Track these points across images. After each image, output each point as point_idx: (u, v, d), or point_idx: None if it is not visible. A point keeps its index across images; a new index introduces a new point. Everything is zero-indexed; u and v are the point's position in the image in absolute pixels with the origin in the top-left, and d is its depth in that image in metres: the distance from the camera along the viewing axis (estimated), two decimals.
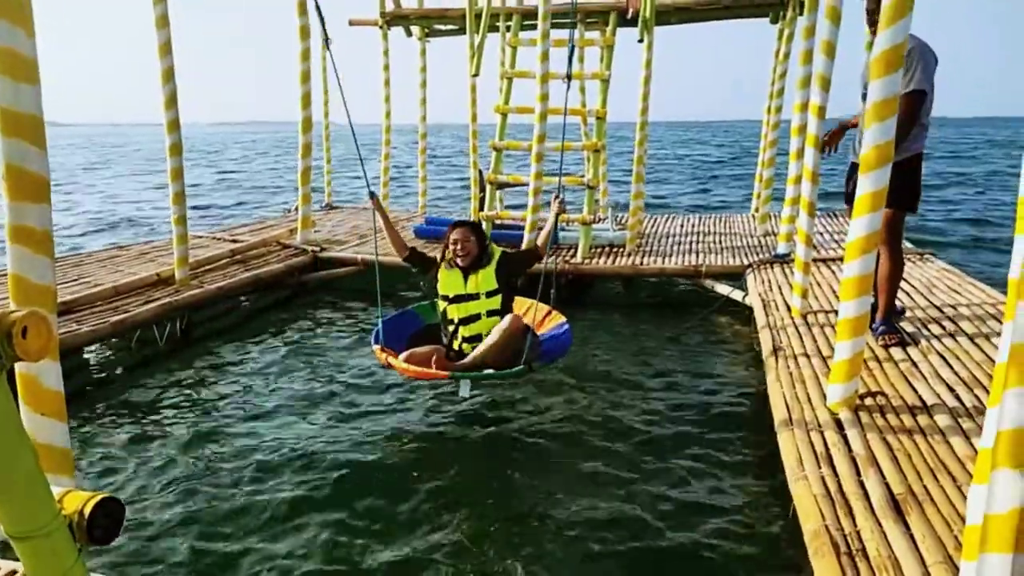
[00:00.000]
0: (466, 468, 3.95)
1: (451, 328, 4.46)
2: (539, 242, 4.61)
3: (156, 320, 5.88)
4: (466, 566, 3.06)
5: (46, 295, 2.14)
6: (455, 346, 4.46)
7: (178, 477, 3.84)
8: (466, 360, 4.20)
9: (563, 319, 4.84)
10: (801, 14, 7.08)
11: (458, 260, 4.43)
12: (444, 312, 4.48)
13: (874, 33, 3.63)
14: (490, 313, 4.40)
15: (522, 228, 7.61)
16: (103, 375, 5.54)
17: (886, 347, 4.32)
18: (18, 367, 2.18)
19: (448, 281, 4.45)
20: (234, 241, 8.33)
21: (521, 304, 4.92)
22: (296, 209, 9.27)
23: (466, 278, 4.42)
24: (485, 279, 4.41)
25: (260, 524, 3.39)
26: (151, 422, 4.59)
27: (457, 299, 4.42)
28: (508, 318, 4.29)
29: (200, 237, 8.62)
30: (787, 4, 8.61)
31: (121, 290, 6.07)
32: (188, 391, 5.12)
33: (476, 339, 4.37)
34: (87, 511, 1.51)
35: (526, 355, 4.19)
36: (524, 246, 7.16)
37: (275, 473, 3.87)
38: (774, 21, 9.16)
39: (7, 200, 2.06)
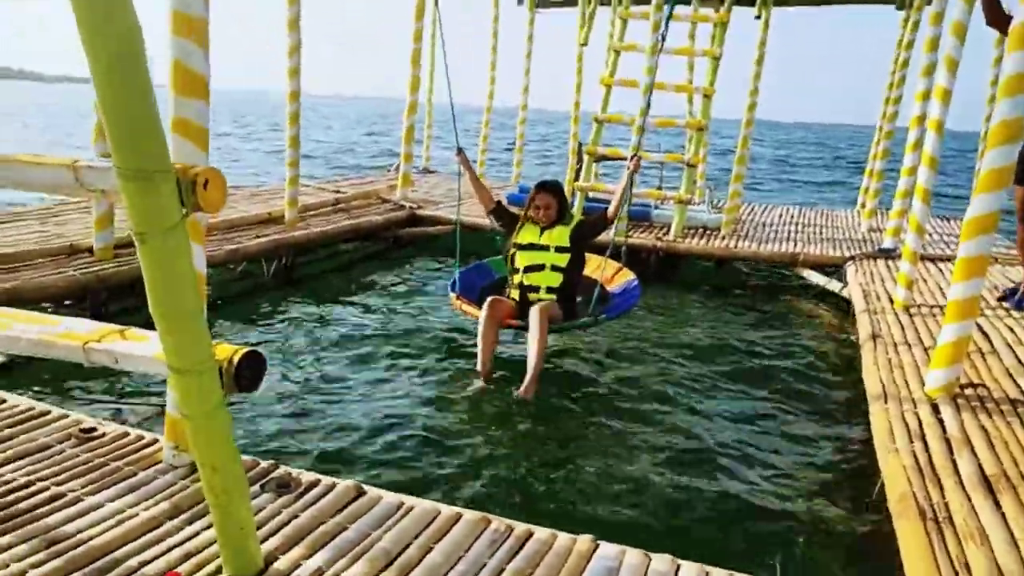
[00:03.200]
0: (534, 416, 4.02)
1: (515, 277, 4.58)
2: (611, 208, 4.65)
3: (266, 254, 6.23)
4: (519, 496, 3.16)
5: None
6: (513, 295, 4.57)
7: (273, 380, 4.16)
8: (526, 380, 4.16)
9: (632, 275, 4.99)
10: (929, 2, 6.77)
11: (539, 220, 4.55)
12: (513, 257, 4.62)
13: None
14: (554, 268, 4.52)
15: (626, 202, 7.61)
16: (211, 297, 5.92)
17: None
18: None
19: (525, 232, 4.61)
20: (337, 192, 8.68)
21: (592, 260, 5.06)
22: (397, 168, 9.56)
23: (542, 232, 4.57)
24: (559, 235, 4.55)
25: (334, 427, 3.60)
26: (254, 341, 4.90)
27: (529, 247, 4.57)
28: (535, 319, 4.23)
29: (306, 186, 9.01)
30: None
31: (236, 224, 6.45)
32: (289, 320, 5.43)
33: (535, 290, 4.51)
34: (236, 359, 1.68)
35: (593, 307, 4.46)
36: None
37: (346, 393, 4.12)
38: (900, 7, 8.75)
39: (172, 93, 2.27)
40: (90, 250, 5.13)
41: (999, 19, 4.31)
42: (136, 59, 1.32)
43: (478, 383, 4.24)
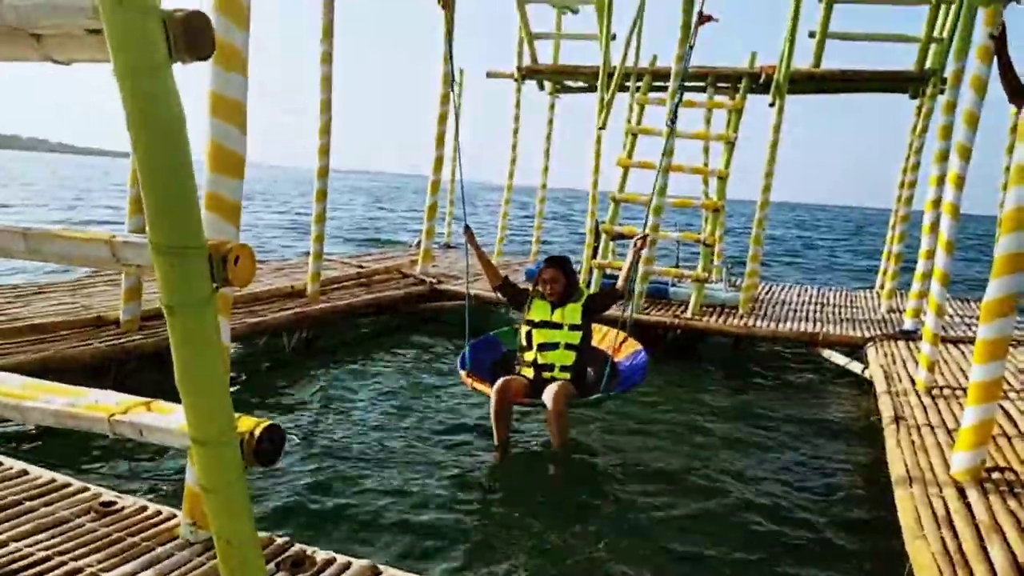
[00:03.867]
0: (540, 489, 3.98)
1: (528, 355, 4.59)
2: (619, 281, 4.72)
3: (287, 327, 6.31)
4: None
5: None
6: (526, 372, 4.58)
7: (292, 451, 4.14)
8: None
9: (639, 346, 4.98)
10: (942, 92, 6.95)
11: (548, 296, 4.60)
12: (528, 334, 4.62)
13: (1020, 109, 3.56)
14: (568, 346, 4.53)
15: (634, 279, 7.68)
16: (233, 372, 5.97)
17: None
18: None
19: (538, 309, 4.63)
20: (360, 266, 8.83)
21: (600, 330, 5.12)
22: (418, 244, 9.73)
23: (554, 309, 4.59)
24: (571, 313, 4.57)
25: (347, 499, 3.56)
26: (270, 414, 4.91)
27: (543, 324, 4.58)
28: (551, 400, 4.26)
29: (329, 260, 9.19)
30: (928, 80, 8.43)
31: (260, 297, 6.57)
32: (308, 393, 5.45)
33: (549, 368, 4.52)
34: (257, 432, 1.71)
35: (604, 382, 4.48)
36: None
37: (363, 467, 4.10)
38: (914, 96, 8.96)
39: (207, 171, 2.37)
40: (117, 322, 5.24)
41: (1014, 87, 4.03)
42: (179, 145, 1.40)
43: (493, 456, 4.22)
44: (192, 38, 1.37)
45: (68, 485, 2.67)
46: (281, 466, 3.97)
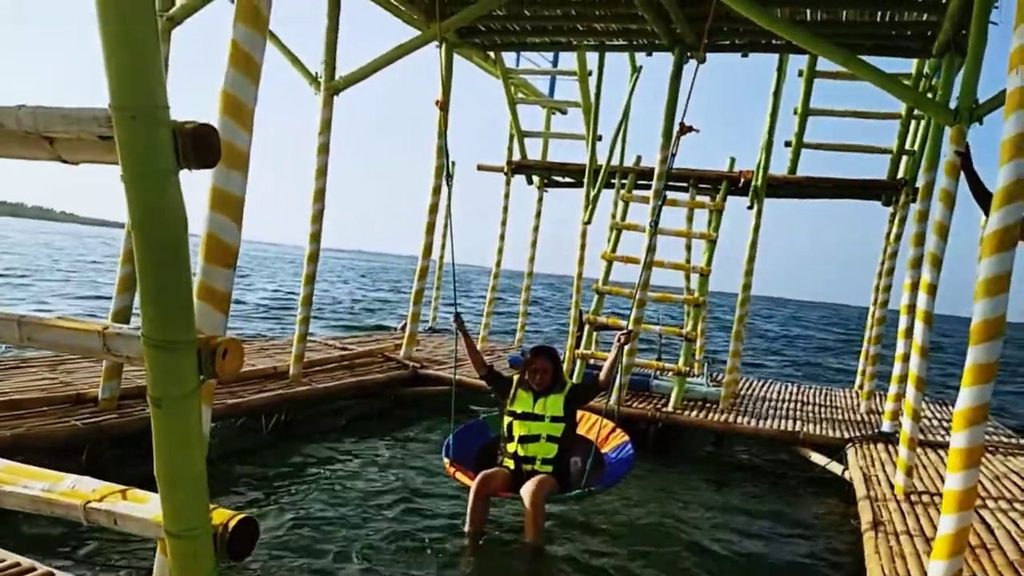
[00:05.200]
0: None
1: (510, 447, 4.59)
2: (602, 374, 4.76)
3: (268, 408, 6.26)
4: None
5: None
6: (508, 463, 4.57)
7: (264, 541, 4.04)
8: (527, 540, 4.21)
9: (626, 437, 4.98)
10: (914, 201, 7.25)
11: (534, 385, 4.62)
12: (509, 426, 4.63)
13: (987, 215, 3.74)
14: (549, 438, 4.54)
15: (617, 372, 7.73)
16: (208, 454, 5.88)
17: None
18: None
19: (520, 399, 4.65)
20: (343, 349, 8.83)
21: (588, 419, 5.13)
22: (404, 327, 9.78)
23: (535, 400, 4.60)
24: (553, 404, 4.59)
25: None
26: (246, 501, 4.82)
27: (524, 416, 4.59)
28: (529, 496, 4.25)
29: (313, 342, 9.19)
30: (900, 188, 8.80)
31: (242, 377, 6.54)
32: (284, 478, 5.36)
33: (530, 460, 4.51)
34: (231, 525, 1.72)
35: (586, 477, 4.47)
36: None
37: (345, 561, 4.00)
38: (886, 204, 9.33)
39: (201, 262, 2.45)
40: (95, 400, 5.19)
41: (982, 197, 4.17)
42: (180, 248, 1.48)
43: (464, 545, 4.14)
44: (200, 148, 1.47)
45: (32, 569, 2.61)
46: (257, 554, 3.88)
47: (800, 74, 8.78)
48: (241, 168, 2.47)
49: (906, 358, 6.07)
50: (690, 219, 10.39)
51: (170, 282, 1.50)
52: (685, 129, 4.46)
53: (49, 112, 1.53)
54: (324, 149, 6.92)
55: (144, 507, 1.86)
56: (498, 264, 11.47)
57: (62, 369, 6.14)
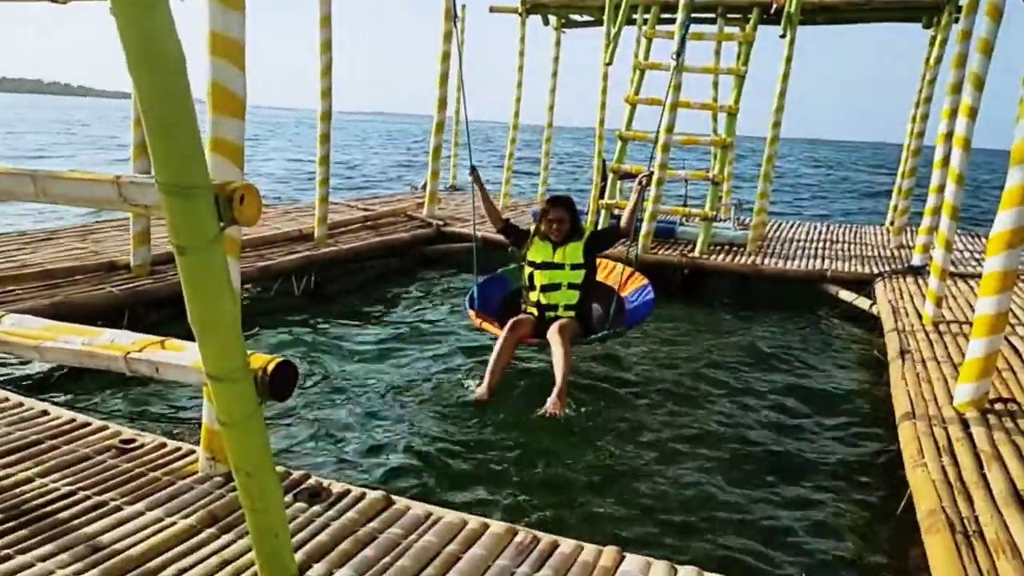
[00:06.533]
0: (559, 428, 4.04)
1: (532, 295, 4.63)
2: (623, 220, 4.69)
3: (296, 270, 6.35)
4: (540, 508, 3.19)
5: None
6: (531, 311, 4.61)
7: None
8: (552, 397, 4.13)
9: (646, 281, 5.03)
10: (956, 21, 6.75)
11: (552, 235, 4.57)
12: (530, 276, 4.66)
13: None
14: (570, 285, 4.55)
15: (640, 219, 7.64)
16: (245, 313, 6.03)
17: None
18: None
19: (539, 250, 4.64)
20: (366, 210, 8.81)
21: (606, 265, 5.18)
22: (424, 186, 9.68)
23: (555, 249, 4.59)
24: (573, 252, 4.57)
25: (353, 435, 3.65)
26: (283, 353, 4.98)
27: (544, 266, 4.60)
28: (555, 338, 4.28)
29: (336, 204, 9.16)
30: (943, 8, 8.19)
31: (268, 240, 6.59)
32: (317, 334, 5.52)
33: (552, 308, 4.55)
34: (270, 368, 1.74)
35: (611, 319, 4.55)
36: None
37: (377, 409, 4.18)
38: (927, 26, 8.71)
39: (209, 114, 2.36)
40: (128, 267, 5.27)
41: None
42: (179, 84, 1.39)
43: (480, 391, 4.22)
44: None
45: (88, 424, 2.75)
46: (292, 403, 4.06)
47: None
48: (237, 6, 2.32)
49: (941, 189, 5.89)
50: (718, 54, 9.87)
51: (176, 124, 1.43)
52: None
53: None
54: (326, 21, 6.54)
55: (183, 355, 1.90)
56: (516, 115, 11.09)
57: (91, 239, 6.22)
